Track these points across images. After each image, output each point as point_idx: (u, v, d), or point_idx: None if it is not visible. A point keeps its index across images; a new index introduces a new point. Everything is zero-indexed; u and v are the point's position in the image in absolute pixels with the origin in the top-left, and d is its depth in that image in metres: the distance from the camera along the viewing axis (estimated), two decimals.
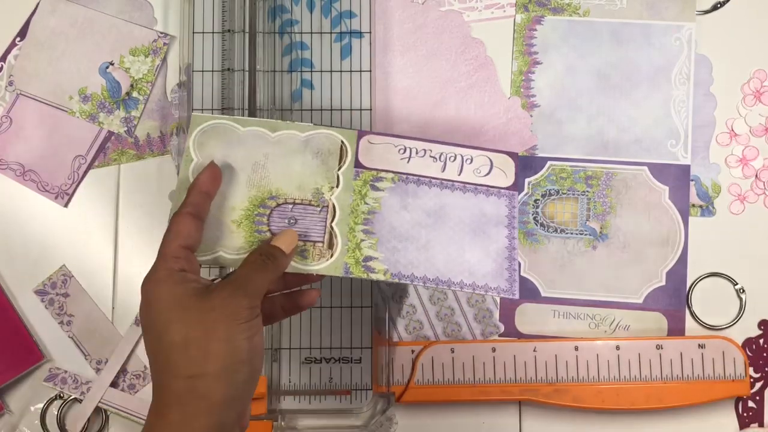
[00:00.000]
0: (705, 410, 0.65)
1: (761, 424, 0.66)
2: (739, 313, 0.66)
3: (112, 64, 0.67)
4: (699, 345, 0.64)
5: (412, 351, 0.64)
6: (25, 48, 0.67)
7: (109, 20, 0.68)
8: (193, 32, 0.65)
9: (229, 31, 0.64)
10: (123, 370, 0.66)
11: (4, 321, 0.65)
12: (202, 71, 0.64)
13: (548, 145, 0.67)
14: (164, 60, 0.68)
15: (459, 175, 0.54)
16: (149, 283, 0.46)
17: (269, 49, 0.65)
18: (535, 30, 0.68)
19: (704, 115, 0.67)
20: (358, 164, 0.54)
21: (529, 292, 0.66)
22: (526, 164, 0.67)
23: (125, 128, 0.67)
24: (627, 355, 0.64)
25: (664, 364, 0.64)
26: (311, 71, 0.65)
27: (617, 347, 0.64)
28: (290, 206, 0.53)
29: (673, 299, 0.66)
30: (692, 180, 0.67)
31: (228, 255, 0.51)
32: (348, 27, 0.65)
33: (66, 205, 0.67)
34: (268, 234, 0.52)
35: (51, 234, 0.67)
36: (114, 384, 0.65)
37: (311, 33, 0.65)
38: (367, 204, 0.53)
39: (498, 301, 0.66)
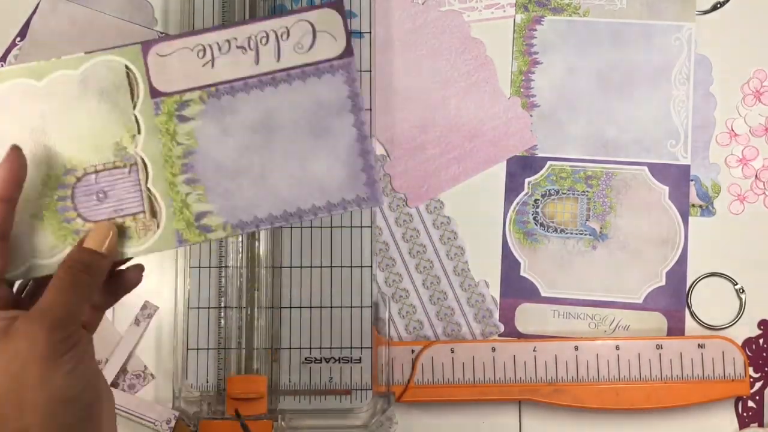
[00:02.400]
0: (705, 410, 0.65)
1: (761, 424, 0.66)
2: (738, 313, 0.66)
3: None
4: (699, 345, 0.64)
5: (412, 351, 0.64)
6: (25, 48, 0.67)
7: (109, 20, 0.67)
8: None
9: None
10: (123, 370, 0.66)
11: None
12: None
13: (548, 145, 0.67)
14: None
15: (278, 61, 0.44)
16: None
17: None
18: (535, 30, 0.68)
19: (704, 115, 0.67)
20: (154, 92, 0.44)
21: (529, 292, 0.66)
22: (526, 164, 0.67)
23: None
24: (627, 355, 0.64)
25: (664, 364, 0.64)
26: None
27: (617, 347, 0.64)
28: (93, 176, 0.43)
29: (673, 299, 0.66)
30: (692, 180, 0.67)
31: (42, 261, 0.43)
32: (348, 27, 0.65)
33: None
34: (79, 221, 0.43)
35: None
36: (114, 384, 0.65)
37: None
38: (180, 144, 0.44)
39: (498, 300, 0.66)
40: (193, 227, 0.44)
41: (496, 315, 0.66)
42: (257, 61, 0.44)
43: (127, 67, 0.44)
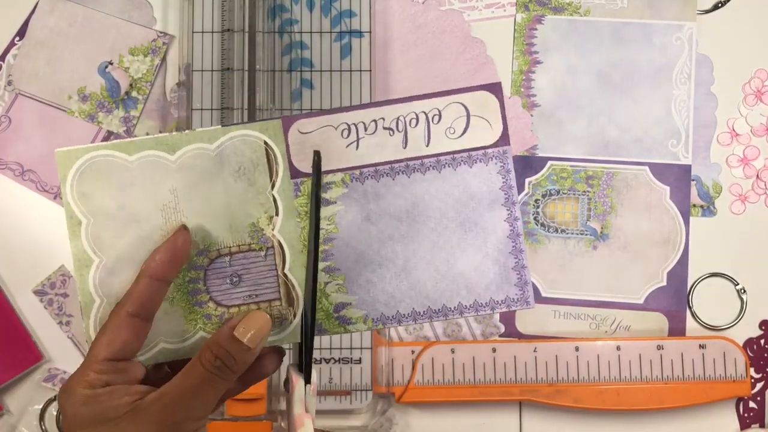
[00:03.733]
0: (706, 411, 0.65)
1: (762, 425, 0.66)
2: (740, 313, 0.66)
3: (111, 63, 0.67)
4: (700, 345, 0.64)
5: (412, 351, 0.64)
6: (24, 47, 0.67)
7: (108, 20, 0.67)
8: (193, 32, 0.65)
9: (228, 30, 0.64)
10: None
11: (3, 321, 0.65)
12: (202, 71, 0.64)
13: (549, 144, 0.67)
14: (164, 59, 0.67)
15: (427, 145, 0.41)
16: (65, 397, 0.39)
17: (269, 48, 0.64)
18: (536, 29, 0.67)
19: (705, 115, 0.67)
20: (294, 172, 0.41)
21: None
22: (527, 164, 0.67)
23: (124, 128, 0.67)
24: (628, 355, 0.64)
25: (665, 364, 0.64)
26: (311, 71, 0.65)
27: (618, 347, 0.64)
28: (227, 258, 0.41)
29: (674, 299, 0.66)
30: (693, 180, 0.66)
31: (171, 345, 0.41)
32: (348, 26, 0.65)
33: None
34: (211, 305, 0.40)
35: (50, 234, 0.67)
36: None
37: (311, 32, 0.65)
38: (320, 229, 0.41)
39: None
40: (332, 318, 0.41)
41: (497, 315, 0.66)
42: (405, 145, 0.41)
43: (266, 143, 0.41)
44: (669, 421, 0.65)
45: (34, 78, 0.67)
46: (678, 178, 0.66)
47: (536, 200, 0.66)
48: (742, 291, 0.66)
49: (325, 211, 0.41)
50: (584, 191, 0.67)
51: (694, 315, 0.66)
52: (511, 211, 0.41)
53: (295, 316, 0.41)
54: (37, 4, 0.67)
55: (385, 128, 0.41)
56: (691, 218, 0.66)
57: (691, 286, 0.66)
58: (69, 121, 0.67)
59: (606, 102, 0.67)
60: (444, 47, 0.67)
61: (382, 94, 0.67)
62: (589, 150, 0.67)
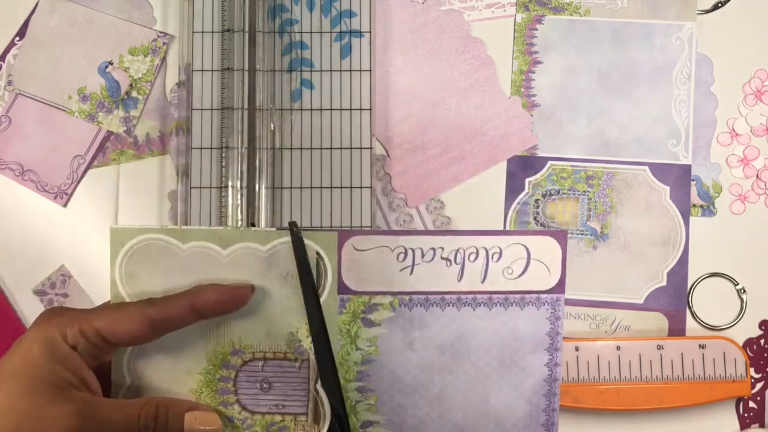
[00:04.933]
0: (706, 411, 0.65)
1: (762, 425, 0.66)
2: (740, 313, 0.66)
3: (111, 63, 0.67)
4: (700, 345, 0.64)
5: None
6: (24, 47, 0.67)
7: (108, 20, 0.67)
8: (193, 32, 0.65)
9: (228, 30, 0.64)
10: None
11: (3, 321, 0.65)
12: (202, 71, 0.64)
13: (549, 145, 0.67)
14: (164, 59, 0.68)
15: (483, 281, 0.41)
16: (41, 321, 0.39)
17: (269, 48, 0.64)
18: (536, 29, 0.67)
19: (705, 115, 0.67)
20: (342, 288, 0.40)
21: None
22: (527, 164, 0.67)
23: (124, 128, 0.67)
24: (627, 355, 0.64)
25: (665, 364, 0.64)
26: (311, 71, 0.65)
27: (618, 347, 0.64)
28: (260, 363, 0.40)
29: (674, 299, 0.66)
30: (693, 180, 0.66)
31: None
32: (348, 26, 0.65)
33: (65, 205, 0.67)
34: (236, 407, 0.40)
35: (50, 234, 0.67)
36: None
37: (311, 32, 0.65)
38: (360, 350, 0.40)
39: None
40: None
41: None
42: (461, 277, 0.41)
43: (318, 254, 0.40)
44: (669, 421, 0.65)
45: (34, 78, 0.67)
46: (678, 178, 0.66)
47: (536, 200, 0.66)
48: (742, 291, 0.66)
49: (368, 332, 0.41)
50: (584, 191, 0.67)
51: (694, 315, 0.66)
52: (553, 357, 0.41)
53: None
54: (37, 4, 0.67)
55: (442, 258, 0.41)
56: (691, 218, 0.66)
57: (691, 286, 0.66)
58: (69, 121, 0.67)
59: (606, 102, 0.67)
60: (444, 47, 0.67)
61: (383, 94, 0.67)
62: (589, 150, 0.67)
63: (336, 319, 0.40)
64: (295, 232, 0.40)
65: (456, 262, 0.41)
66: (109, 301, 0.42)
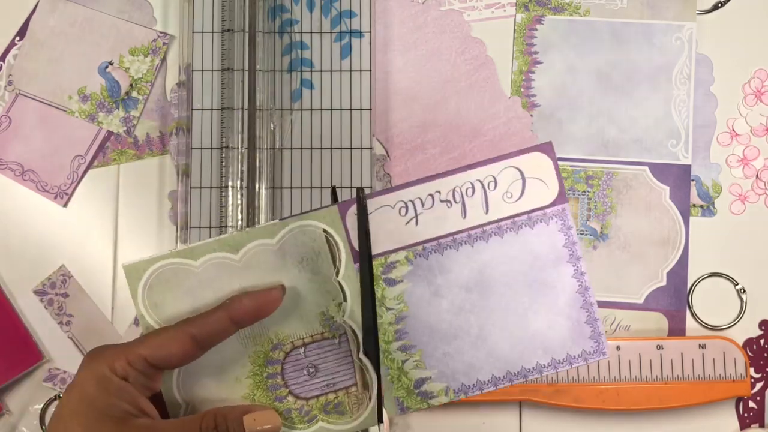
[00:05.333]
0: (706, 411, 0.65)
1: (762, 425, 0.66)
2: (739, 313, 0.66)
3: (111, 63, 0.67)
4: (700, 345, 0.64)
5: None
6: (25, 47, 0.67)
7: (108, 20, 0.67)
8: (193, 32, 0.65)
9: (228, 30, 0.64)
10: None
11: (3, 321, 0.65)
12: (202, 71, 0.64)
13: None
14: (164, 60, 0.68)
15: (486, 213, 0.41)
16: (88, 362, 0.40)
17: (269, 48, 0.64)
18: (536, 29, 0.68)
19: (705, 115, 0.67)
20: (356, 256, 0.41)
21: None
22: None
23: (125, 128, 0.67)
24: (627, 355, 0.64)
25: (665, 364, 0.64)
26: (311, 71, 0.65)
27: (618, 347, 0.64)
28: (301, 350, 0.41)
29: (674, 299, 0.66)
30: (693, 180, 0.67)
31: None
32: (348, 26, 0.65)
33: (65, 205, 0.67)
34: (290, 398, 0.41)
35: (50, 234, 0.67)
36: None
37: (311, 32, 0.65)
38: (390, 310, 0.41)
39: None
40: (414, 394, 0.41)
41: None
42: (464, 215, 0.41)
43: (325, 231, 0.41)
44: (669, 421, 0.65)
45: (34, 78, 0.67)
46: (678, 178, 0.66)
47: None
48: (742, 291, 0.66)
49: (392, 291, 0.41)
50: (584, 191, 0.67)
51: (693, 315, 0.66)
52: (577, 267, 0.42)
53: (370, 399, 0.41)
54: (37, 4, 0.67)
55: (442, 201, 0.42)
56: (690, 218, 0.66)
57: (691, 286, 0.66)
58: (69, 121, 0.67)
59: (606, 102, 0.67)
60: (444, 47, 0.67)
61: (383, 94, 0.67)
62: (588, 150, 0.67)
63: (359, 286, 0.41)
64: (362, 198, 0.41)
65: (456, 201, 0.41)
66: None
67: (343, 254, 0.41)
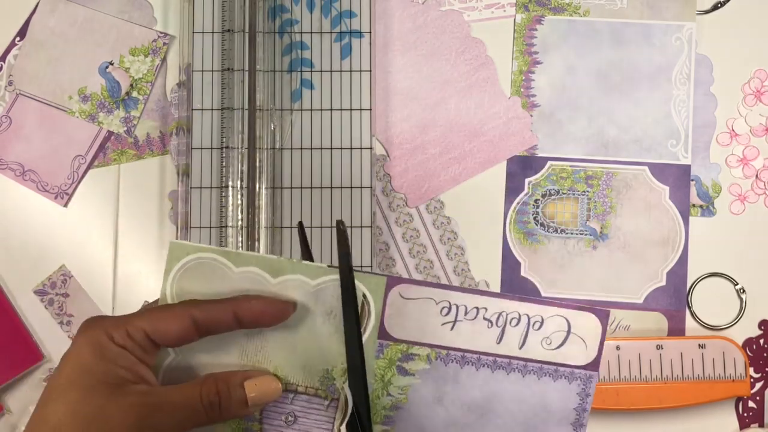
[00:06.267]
0: (705, 410, 0.65)
1: (761, 425, 0.66)
2: (739, 313, 0.66)
3: (111, 63, 0.67)
4: (699, 345, 0.64)
5: None
6: (25, 48, 0.67)
7: (108, 20, 0.67)
8: (193, 32, 0.65)
9: (229, 30, 0.64)
10: None
11: (3, 321, 0.65)
12: (202, 71, 0.64)
13: (548, 145, 0.67)
14: (164, 60, 0.68)
15: (521, 348, 0.41)
16: (83, 329, 0.40)
17: (269, 48, 0.64)
18: (536, 30, 0.68)
19: (705, 115, 0.67)
20: (383, 334, 0.40)
21: (529, 292, 0.66)
22: (527, 164, 0.67)
23: (125, 128, 0.67)
24: (627, 355, 0.64)
25: (665, 364, 0.64)
26: (311, 71, 0.65)
27: (617, 347, 0.64)
28: (291, 395, 0.41)
29: (674, 299, 0.66)
30: (693, 180, 0.67)
31: None
32: (348, 27, 0.65)
33: (66, 205, 0.67)
34: None
35: (50, 234, 0.67)
36: None
37: (311, 33, 0.65)
38: (390, 396, 0.40)
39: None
40: None
41: None
42: (500, 340, 0.41)
43: (364, 296, 0.40)
44: (669, 421, 0.65)
45: (34, 78, 0.67)
46: (677, 178, 0.66)
47: (536, 200, 0.67)
48: (742, 291, 0.66)
49: (400, 380, 0.41)
50: (584, 191, 0.67)
51: (693, 315, 0.66)
52: None
53: None
54: (37, 4, 0.67)
55: (485, 318, 0.41)
56: (690, 218, 0.66)
57: (691, 286, 0.66)
58: (69, 121, 0.67)
59: (605, 102, 0.67)
60: (444, 47, 0.67)
61: (383, 94, 0.67)
62: (588, 150, 0.67)
63: (372, 363, 0.41)
64: (342, 230, 0.41)
65: (497, 325, 0.41)
66: (146, 302, 0.43)
67: (371, 325, 0.41)
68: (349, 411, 0.40)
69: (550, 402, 0.41)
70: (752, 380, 0.66)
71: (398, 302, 0.41)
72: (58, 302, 0.66)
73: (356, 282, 0.41)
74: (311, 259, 0.42)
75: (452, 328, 0.41)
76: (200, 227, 0.63)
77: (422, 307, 0.41)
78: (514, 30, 0.68)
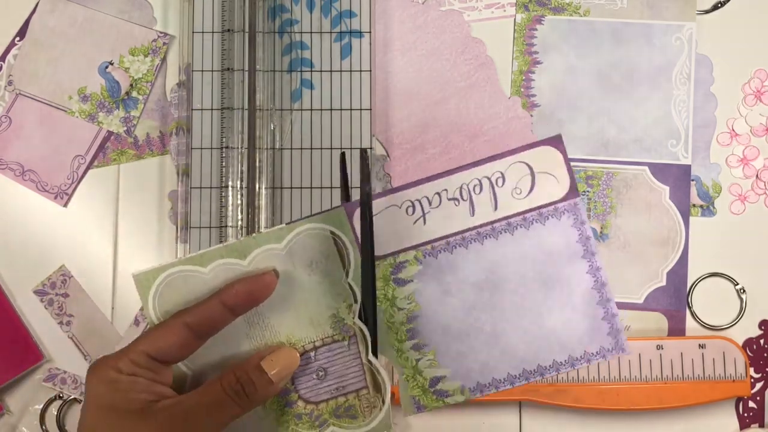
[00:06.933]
0: (705, 410, 0.65)
1: (762, 425, 0.66)
2: (739, 313, 0.66)
3: (111, 63, 0.67)
4: (699, 345, 0.64)
5: None
6: (25, 48, 0.67)
7: (108, 20, 0.67)
8: (193, 32, 0.65)
9: (228, 30, 0.64)
10: None
11: (3, 321, 0.65)
12: (202, 71, 0.64)
13: None
14: (164, 60, 0.68)
15: (495, 210, 0.41)
16: (91, 373, 0.40)
17: (269, 48, 0.64)
18: (536, 30, 0.68)
19: (705, 115, 0.67)
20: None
21: None
22: None
23: (125, 128, 0.67)
24: (627, 355, 0.64)
25: (665, 364, 0.64)
26: (311, 71, 0.65)
27: None
28: (312, 354, 0.41)
29: (674, 299, 0.66)
30: (693, 180, 0.67)
31: None
32: (348, 27, 0.65)
33: (65, 205, 0.67)
34: (300, 403, 0.40)
35: (50, 234, 0.67)
36: None
37: (311, 32, 0.65)
38: (401, 309, 0.41)
39: None
40: (429, 393, 0.41)
41: None
42: (473, 212, 0.41)
43: (332, 233, 0.41)
44: (669, 421, 0.65)
45: (34, 78, 0.67)
46: (677, 178, 0.66)
47: None
48: (742, 291, 0.66)
49: (402, 291, 0.41)
50: (584, 191, 0.67)
51: (693, 315, 0.66)
52: (592, 262, 0.41)
53: (383, 402, 0.40)
54: (37, 4, 0.67)
55: (449, 199, 0.41)
56: (690, 218, 0.66)
57: (691, 286, 0.66)
58: (69, 121, 0.67)
59: (606, 102, 0.67)
60: (444, 47, 0.67)
61: (383, 94, 0.67)
62: (588, 150, 0.67)
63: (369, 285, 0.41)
64: (365, 157, 0.41)
65: (463, 199, 0.41)
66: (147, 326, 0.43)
67: (352, 255, 0.41)
68: (369, 339, 0.39)
69: (551, 246, 0.40)
70: (752, 380, 0.66)
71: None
72: (58, 302, 0.66)
73: (319, 224, 0.40)
74: (348, 190, 0.41)
75: (424, 222, 0.41)
76: (200, 227, 0.63)
77: (389, 216, 0.41)
78: (514, 30, 0.68)
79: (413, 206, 0.41)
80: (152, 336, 0.40)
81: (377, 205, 0.41)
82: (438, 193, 0.41)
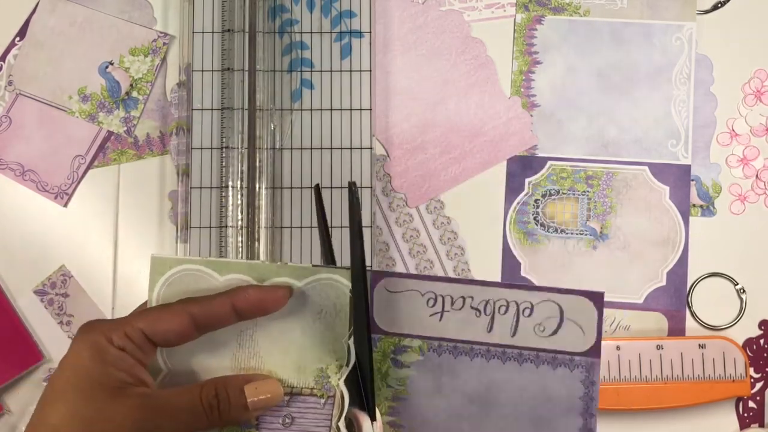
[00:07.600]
0: (705, 410, 0.65)
1: (762, 425, 0.66)
2: (739, 313, 0.66)
3: (111, 63, 0.67)
4: (699, 345, 0.64)
5: None
6: (25, 48, 0.67)
7: (108, 20, 0.67)
8: (193, 32, 0.65)
9: (229, 30, 0.64)
10: None
11: (3, 321, 0.65)
12: (202, 71, 0.64)
13: (548, 145, 0.67)
14: (164, 60, 0.68)
15: (513, 336, 0.40)
16: (81, 333, 0.40)
17: (269, 48, 0.64)
18: (536, 30, 0.68)
19: (705, 115, 0.67)
20: (373, 327, 0.41)
21: None
22: (527, 164, 0.67)
23: (125, 128, 0.67)
24: (627, 355, 0.64)
25: (665, 364, 0.64)
26: (311, 71, 0.65)
27: (617, 347, 0.64)
28: (287, 398, 0.40)
29: (674, 299, 0.66)
30: (693, 180, 0.67)
31: None
32: (348, 27, 0.65)
33: (65, 205, 0.67)
34: None
35: (50, 234, 0.67)
36: None
37: (311, 32, 0.65)
38: (390, 387, 0.40)
39: None
40: None
41: None
42: (490, 329, 0.40)
43: (351, 292, 0.40)
44: (668, 421, 0.65)
45: (34, 78, 0.67)
46: (677, 178, 0.66)
47: (536, 200, 0.66)
48: (742, 291, 0.66)
49: (397, 372, 0.41)
50: (584, 191, 0.67)
51: (693, 315, 0.66)
52: (587, 423, 0.40)
53: None
54: (37, 4, 0.67)
55: (472, 307, 0.40)
56: (690, 218, 0.66)
57: (691, 286, 0.66)
58: (69, 121, 0.67)
59: (605, 102, 0.67)
60: (444, 47, 0.67)
61: (383, 94, 0.67)
62: (588, 150, 0.67)
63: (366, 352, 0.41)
64: (353, 191, 0.40)
65: (486, 313, 0.40)
66: (145, 303, 0.42)
67: None
68: (346, 407, 0.39)
69: (553, 391, 0.40)
70: (752, 380, 0.66)
71: (385, 296, 0.41)
72: (58, 302, 0.66)
73: (343, 279, 0.40)
74: (327, 224, 0.41)
75: (440, 318, 0.40)
76: (200, 227, 0.63)
77: (409, 299, 0.40)
78: (514, 30, 0.68)
79: (435, 300, 0.40)
80: (153, 316, 0.40)
81: (402, 284, 0.40)
82: (463, 297, 0.40)
